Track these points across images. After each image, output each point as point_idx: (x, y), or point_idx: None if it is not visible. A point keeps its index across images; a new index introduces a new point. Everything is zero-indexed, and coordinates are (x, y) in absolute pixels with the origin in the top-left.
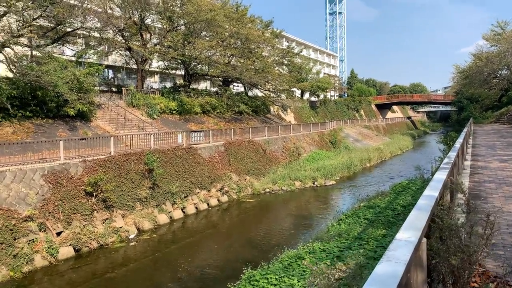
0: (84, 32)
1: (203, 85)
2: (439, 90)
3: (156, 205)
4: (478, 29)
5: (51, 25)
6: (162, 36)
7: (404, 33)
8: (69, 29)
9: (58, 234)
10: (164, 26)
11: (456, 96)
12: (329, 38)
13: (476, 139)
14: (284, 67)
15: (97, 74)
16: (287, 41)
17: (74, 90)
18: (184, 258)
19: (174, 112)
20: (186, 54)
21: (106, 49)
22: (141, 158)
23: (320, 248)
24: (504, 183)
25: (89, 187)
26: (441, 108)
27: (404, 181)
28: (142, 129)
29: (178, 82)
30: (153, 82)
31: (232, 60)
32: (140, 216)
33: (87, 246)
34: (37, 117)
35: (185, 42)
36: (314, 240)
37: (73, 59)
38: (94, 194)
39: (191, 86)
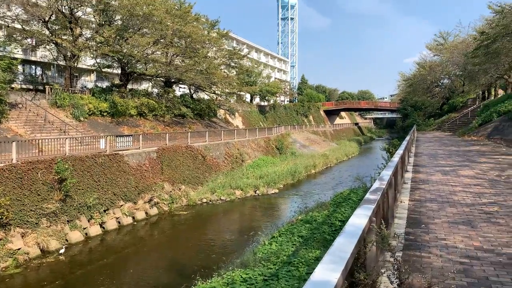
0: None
1: (145, 86)
2: (386, 98)
3: (68, 221)
4: (421, 41)
5: None
6: (94, 30)
7: (354, 42)
8: None
9: None
10: (96, 19)
11: (401, 103)
12: (281, 43)
13: (419, 147)
14: (232, 69)
15: (9, 69)
16: (238, 44)
17: None
18: (88, 287)
19: (105, 114)
20: (123, 51)
21: (33, 43)
22: (52, 166)
23: (241, 278)
24: (447, 202)
25: None
26: (387, 115)
27: (345, 191)
28: (64, 132)
29: (117, 82)
30: (89, 81)
31: (176, 60)
32: (46, 235)
33: None
34: None
35: (119, 37)
36: (238, 266)
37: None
38: None
39: (130, 87)
